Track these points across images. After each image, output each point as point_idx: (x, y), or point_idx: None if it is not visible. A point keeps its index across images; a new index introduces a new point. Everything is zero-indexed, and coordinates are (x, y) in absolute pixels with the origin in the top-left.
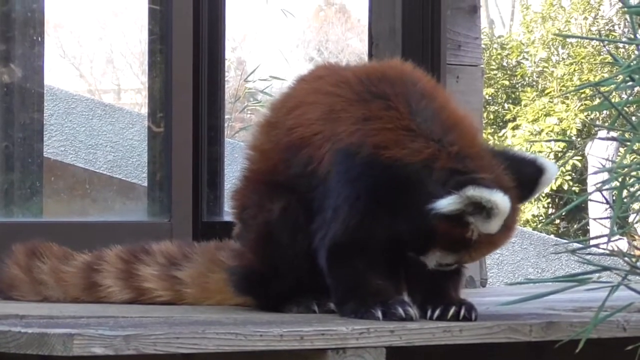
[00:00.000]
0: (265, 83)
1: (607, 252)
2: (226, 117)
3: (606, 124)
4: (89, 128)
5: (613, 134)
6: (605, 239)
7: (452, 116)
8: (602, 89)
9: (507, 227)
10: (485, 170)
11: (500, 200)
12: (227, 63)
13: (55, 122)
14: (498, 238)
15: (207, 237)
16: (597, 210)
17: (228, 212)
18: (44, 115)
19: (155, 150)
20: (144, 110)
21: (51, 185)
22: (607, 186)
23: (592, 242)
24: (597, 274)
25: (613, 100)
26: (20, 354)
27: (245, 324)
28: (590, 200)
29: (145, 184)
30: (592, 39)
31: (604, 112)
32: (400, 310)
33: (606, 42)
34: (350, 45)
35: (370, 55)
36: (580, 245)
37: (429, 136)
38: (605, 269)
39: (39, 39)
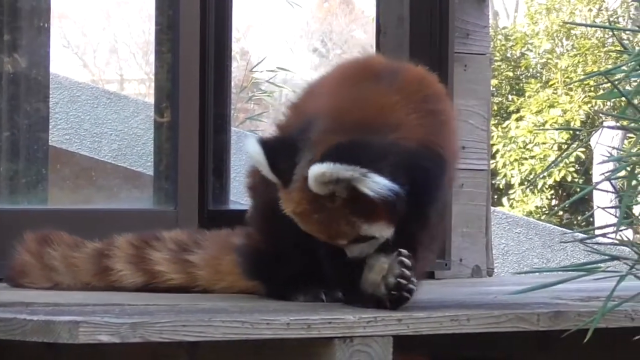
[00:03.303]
0: (271, 73)
1: (615, 241)
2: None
3: (613, 114)
4: (93, 116)
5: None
6: (611, 229)
7: (352, 105)
8: (610, 78)
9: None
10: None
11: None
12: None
13: (60, 111)
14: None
15: (213, 225)
16: (603, 201)
17: (234, 200)
18: (49, 103)
19: (161, 139)
20: (149, 99)
21: (56, 173)
22: (615, 175)
23: (599, 232)
24: (604, 264)
25: (621, 89)
26: (26, 341)
27: (252, 312)
28: (597, 189)
29: (151, 173)
30: (600, 27)
31: (608, 103)
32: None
33: (614, 31)
34: (354, 36)
35: (377, 44)
36: (588, 235)
37: (303, 111)
38: (614, 258)
39: (45, 25)
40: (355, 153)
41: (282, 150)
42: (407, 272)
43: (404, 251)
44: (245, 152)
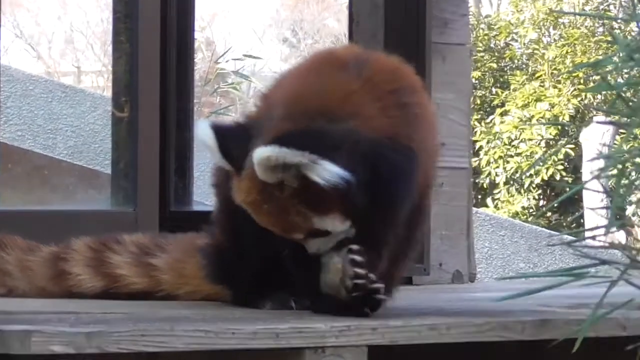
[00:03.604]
0: (237, 64)
1: (606, 245)
2: (195, 101)
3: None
4: (48, 111)
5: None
6: (601, 231)
7: (311, 92)
8: (601, 69)
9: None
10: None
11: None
12: (195, 44)
13: (12, 105)
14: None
15: (174, 227)
16: (593, 201)
17: (197, 201)
18: (0, 97)
19: (120, 135)
20: (107, 93)
21: (8, 173)
22: (605, 174)
23: (588, 234)
24: (594, 268)
25: (611, 82)
26: None
27: (216, 320)
28: (587, 189)
29: (109, 171)
30: (589, 15)
31: (599, 96)
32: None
33: (603, 20)
34: (327, 25)
35: (350, 34)
36: (576, 238)
37: (272, 102)
38: (604, 262)
39: None
40: (306, 139)
41: (235, 136)
42: (361, 271)
43: (354, 247)
44: (195, 136)
